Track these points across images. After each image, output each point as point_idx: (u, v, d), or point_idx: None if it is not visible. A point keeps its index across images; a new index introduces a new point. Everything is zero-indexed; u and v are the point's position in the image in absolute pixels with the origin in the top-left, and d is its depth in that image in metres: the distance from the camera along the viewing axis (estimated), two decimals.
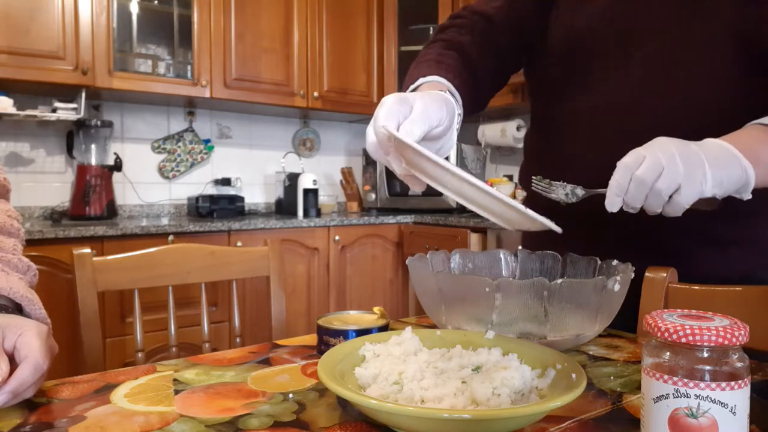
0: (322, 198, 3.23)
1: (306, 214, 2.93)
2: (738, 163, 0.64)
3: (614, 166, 0.67)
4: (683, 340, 0.39)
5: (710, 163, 0.63)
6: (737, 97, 0.78)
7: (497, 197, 0.59)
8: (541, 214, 0.61)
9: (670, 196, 0.64)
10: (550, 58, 0.93)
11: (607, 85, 0.86)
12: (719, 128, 0.70)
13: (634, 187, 0.64)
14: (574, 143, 0.91)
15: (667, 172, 0.63)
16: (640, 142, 0.67)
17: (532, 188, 0.78)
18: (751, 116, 0.72)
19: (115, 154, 2.65)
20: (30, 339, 0.57)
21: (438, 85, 0.81)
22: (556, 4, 0.92)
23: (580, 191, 0.74)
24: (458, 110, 0.79)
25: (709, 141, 0.67)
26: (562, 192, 0.75)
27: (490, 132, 3.11)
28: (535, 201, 0.85)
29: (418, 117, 0.63)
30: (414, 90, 0.82)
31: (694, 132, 0.69)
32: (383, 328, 0.73)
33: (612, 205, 0.66)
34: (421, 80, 0.82)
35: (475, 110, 0.93)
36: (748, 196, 0.67)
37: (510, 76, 1.01)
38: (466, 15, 0.96)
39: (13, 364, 0.56)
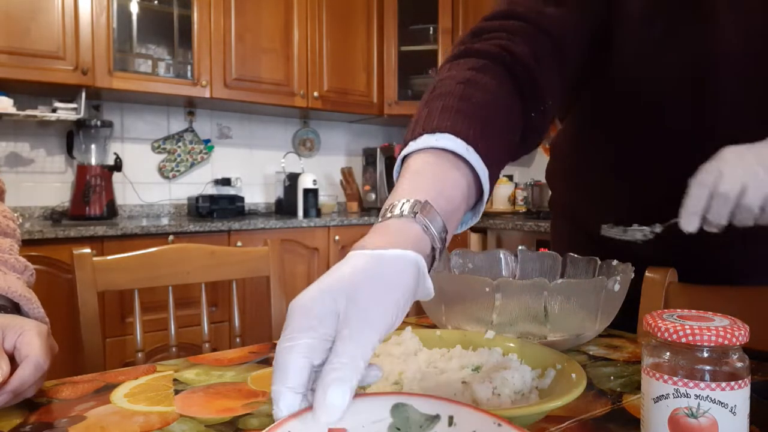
0: (322, 198, 3.23)
1: (306, 214, 2.93)
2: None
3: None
4: (683, 340, 0.39)
5: None
6: None
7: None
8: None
9: (762, 208, 0.60)
10: (607, 99, 0.81)
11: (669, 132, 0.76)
12: None
13: (718, 204, 0.60)
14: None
15: (751, 189, 0.58)
16: None
17: (602, 234, 0.75)
18: None
19: (115, 154, 2.65)
20: (30, 339, 0.57)
21: (446, 155, 0.50)
22: (612, 43, 0.73)
23: (657, 228, 0.71)
24: (486, 188, 0.52)
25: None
26: (640, 235, 0.73)
27: None
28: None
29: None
30: (406, 156, 0.52)
31: None
32: None
33: (689, 223, 0.62)
34: (421, 142, 0.51)
35: (521, 152, 0.65)
36: None
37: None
38: (521, 15, 0.66)
39: (14, 363, 0.56)
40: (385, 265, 0.41)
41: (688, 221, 0.62)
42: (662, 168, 0.77)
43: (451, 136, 0.50)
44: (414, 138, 0.52)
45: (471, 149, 0.50)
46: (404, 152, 0.53)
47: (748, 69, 0.69)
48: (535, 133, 0.63)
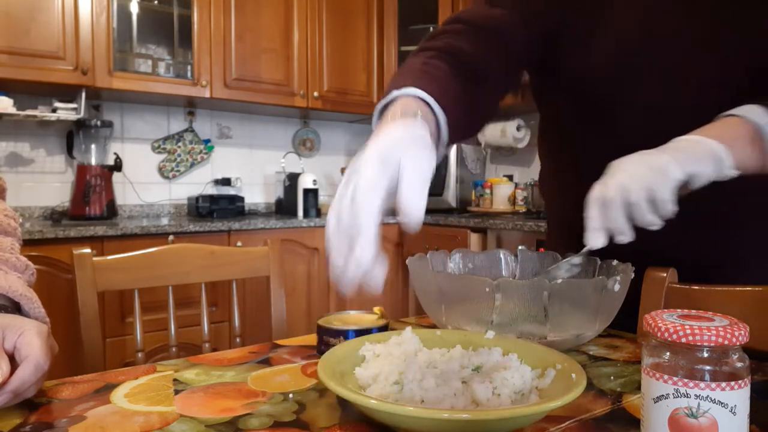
0: (322, 198, 3.23)
1: (306, 214, 2.93)
2: (702, 143, 0.63)
3: None
4: (683, 340, 0.39)
5: (671, 154, 0.62)
6: None
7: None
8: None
9: (652, 200, 0.62)
10: (560, 98, 0.89)
11: (617, 128, 0.83)
12: None
13: (608, 210, 0.62)
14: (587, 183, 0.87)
15: (633, 184, 0.61)
16: None
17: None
18: None
19: (115, 154, 2.65)
20: (31, 339, 0.57)
21: (413, 101, 0.64)
22: (561, 42, 0.84)
23: (575, 259, 0.76)
24: (444, 135, 0.67)
25: (674, 139, 0.66)
26: (564, 270, 0.77)
27: (490, 132, 3.11)
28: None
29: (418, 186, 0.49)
30: (386, 105, 0.65)
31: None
32: (383, 328, 0.73)
33: (594, 240, 0.64)
34: (395, 93, 0.65)
35: (476, 124, 0.81)
36: (732, 172, 0.64)
37: (522, 76, 0.91)
38: (464, 20, 0.82)
39: (14, 363, 0.56)
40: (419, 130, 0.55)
41: (593, 238, 0.64)
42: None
43: (416, 89, 0.65)
44: (385, 96, 0.66)
45: (432, 99, 0.65)
46: (379, 105, 0.66)
47: (658, 58, 0.77)
48: (481, 108, 0.79)
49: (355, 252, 0.49)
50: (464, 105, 0.72)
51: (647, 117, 0.80)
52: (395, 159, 0.50)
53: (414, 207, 0.48)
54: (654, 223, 0.63)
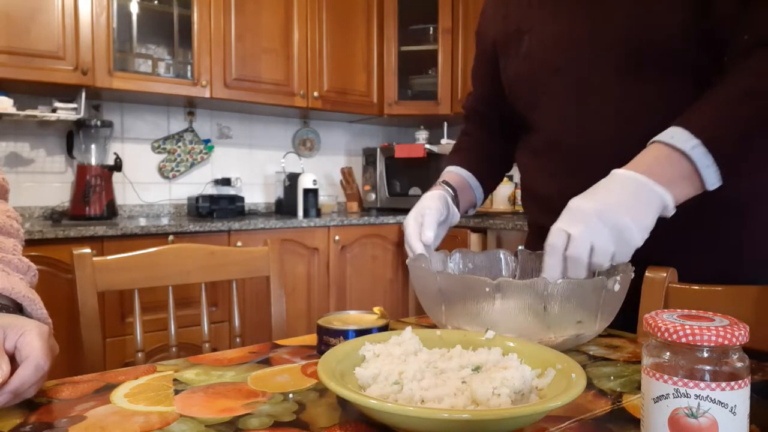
0: (322, 198, 3.23)
1: (306, 214, 2.93)
2: (656, 197, 0.68)
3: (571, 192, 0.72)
4: (683, 340, 0.39)
5: (633, 217, 0.67)
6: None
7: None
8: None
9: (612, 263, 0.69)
10: (512, 108, 1.03)
11: (548, 122, 0.94)
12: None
13: (573, 267, 0.68)
14: (542, 178, 0.99)
15: (598, 249, 0.67)
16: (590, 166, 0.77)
17: None
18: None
19: (115, 154, 2.65)
20: (31, 339, 0.57)
21: (454, 176, 1.06)
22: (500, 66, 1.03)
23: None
24: (475, 192, 1.08)
25: (622, 178, 0.69)
26: None
27: None
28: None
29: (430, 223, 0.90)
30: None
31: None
32: (383, 328, 0.73)
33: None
34: (447, 169, 1.08)
35: (502, 171, 1.16)
36: (670, 213, 0.70)
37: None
38: (468, 107, 1.17)
39: (14, 364, 0.56)
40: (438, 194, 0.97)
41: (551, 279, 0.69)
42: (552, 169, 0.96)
43: (452, 166, 1.09)
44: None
45: (461, 168, 1.07)
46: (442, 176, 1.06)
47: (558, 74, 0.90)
48: (504, 155, 1.13)
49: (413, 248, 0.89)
50: (488, 163, 1.11)
51: (565, 125, 0.90)
52: (423, 208, 0.93)
53: (424, 236, 0.89)
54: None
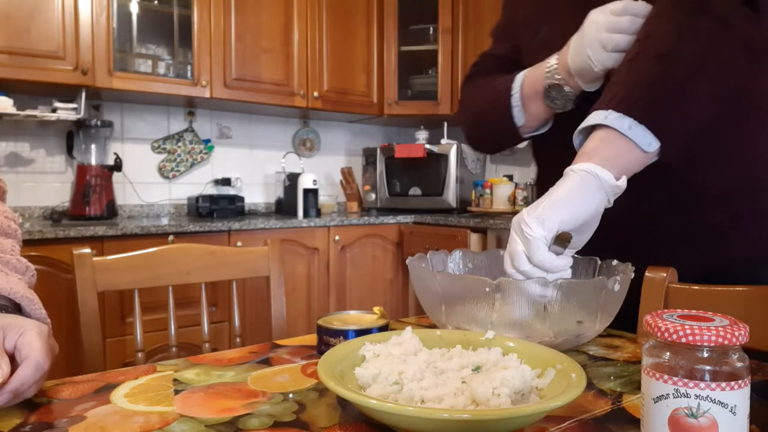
0: (322, 198, 3.23)
1: (306, 214, 2.93)
2: (576, 176, 0.68)
3: None
4: (683, 340, 0.39)
5: (529, 211, 0.68)
6: None
7: None
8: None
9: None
10: None
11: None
12: None
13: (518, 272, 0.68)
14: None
15: (510, 253, 0.68)
16: None
17: None
18: None
19: (115, 154, 2.65)
20: (31, 339, 0.57)
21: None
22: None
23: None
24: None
25: (567, 172, 0.70)
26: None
27: None
28: None
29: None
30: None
31: None
32: (383, 328, 0.73)
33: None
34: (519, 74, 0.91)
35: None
36: (621, 184, 0.69)
37: None
38: (482, 56, 1.07)
39: (14, 363, 0.56)
40: None
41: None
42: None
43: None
44: (507, 87, 0.93)
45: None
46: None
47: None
48: None
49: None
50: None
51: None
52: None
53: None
54: (558, 275, 0.69)
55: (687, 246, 0.85)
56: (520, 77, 0.91)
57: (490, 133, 0.99)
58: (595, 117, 0.71)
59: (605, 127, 0.70)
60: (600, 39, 0.76)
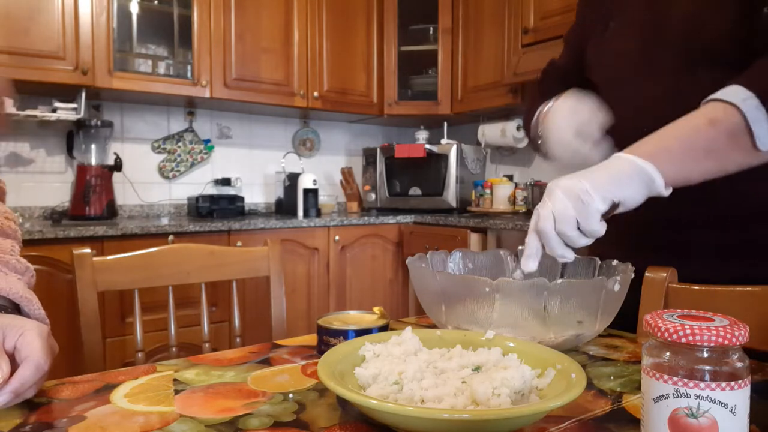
0: (322, 198, 3.23)
1: (306, 214, 2.93)
2: (630, 166, 0.67)
3: None
4: (683, 340, 0.39)
5: (592, 181, 0.66)
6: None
7: None
8: None
9: (580, 229, 0.66)
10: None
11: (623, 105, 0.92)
12: None
13: (545, 240, 0.67)
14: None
15: (559, 215, 0.66)
16: None
17: None
18: None
19: (115, 154, 2.65)
20: (31, 339, 0.57)
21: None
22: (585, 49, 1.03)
23: (518, 274, 0.77)
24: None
25: (610, 158, 0.70)
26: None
27: (490, 132, 3.11)
28: None
29: None
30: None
31: None
32: (383, 328, 0.73)
33: (526, 266, 0.69)
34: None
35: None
36: (665, 192, 0.68)
37: None
38: (550, 69, 1.13)
39: (14, 364, 0.56)
40: None
41: (526, 264, 0.69)
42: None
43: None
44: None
45: None
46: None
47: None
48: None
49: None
50: None
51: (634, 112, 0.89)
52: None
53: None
54: (587, 243, 0.68)
55: (723, 257, 0.85)
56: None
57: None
58: (733, 94, 0.68)
59: (731, 106, 0.67)
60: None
